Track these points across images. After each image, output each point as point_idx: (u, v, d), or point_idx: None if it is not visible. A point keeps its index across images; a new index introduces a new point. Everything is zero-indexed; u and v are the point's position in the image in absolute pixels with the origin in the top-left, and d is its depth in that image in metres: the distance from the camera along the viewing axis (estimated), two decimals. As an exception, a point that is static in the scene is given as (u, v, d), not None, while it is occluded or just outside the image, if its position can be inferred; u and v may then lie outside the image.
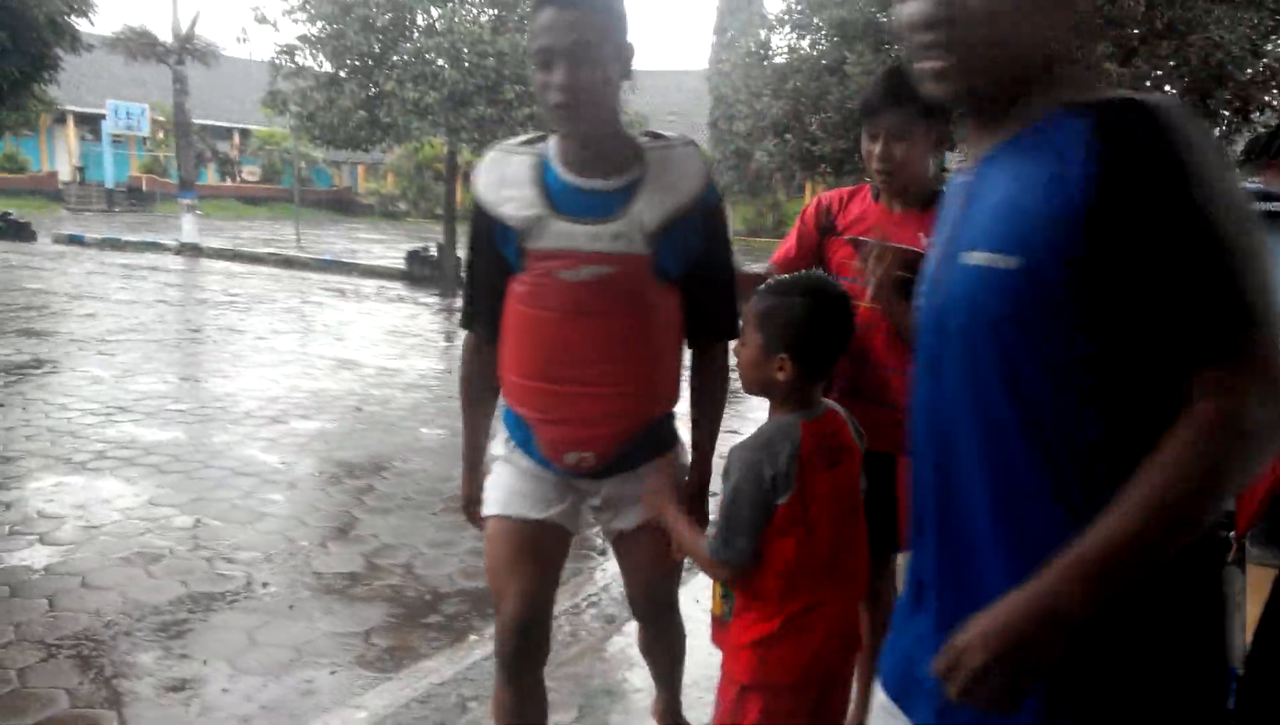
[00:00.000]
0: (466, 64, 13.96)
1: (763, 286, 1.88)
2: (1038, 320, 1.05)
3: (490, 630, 3.55)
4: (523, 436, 2.15)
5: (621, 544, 2.24)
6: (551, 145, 2.02)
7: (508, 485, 2.20)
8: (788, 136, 13.24)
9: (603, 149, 1.96)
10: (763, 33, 16.00)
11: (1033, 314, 1.05)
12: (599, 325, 1.98)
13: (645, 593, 2.31)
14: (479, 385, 2.30)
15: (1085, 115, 1.05)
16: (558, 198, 1.95)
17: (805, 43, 14.09)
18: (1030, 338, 1.06)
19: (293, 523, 4.66)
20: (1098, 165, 1.00)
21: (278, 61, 15.02)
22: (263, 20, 15.45)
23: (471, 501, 2.39)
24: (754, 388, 1.89)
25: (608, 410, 2.03)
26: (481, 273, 2.12)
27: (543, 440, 2.09)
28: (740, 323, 2.01)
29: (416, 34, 14.53)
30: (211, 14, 55.93)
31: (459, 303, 8.95)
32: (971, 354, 1.12)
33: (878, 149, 2.27)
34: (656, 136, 2.06)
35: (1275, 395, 0.97)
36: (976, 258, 1.11)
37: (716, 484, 1.98)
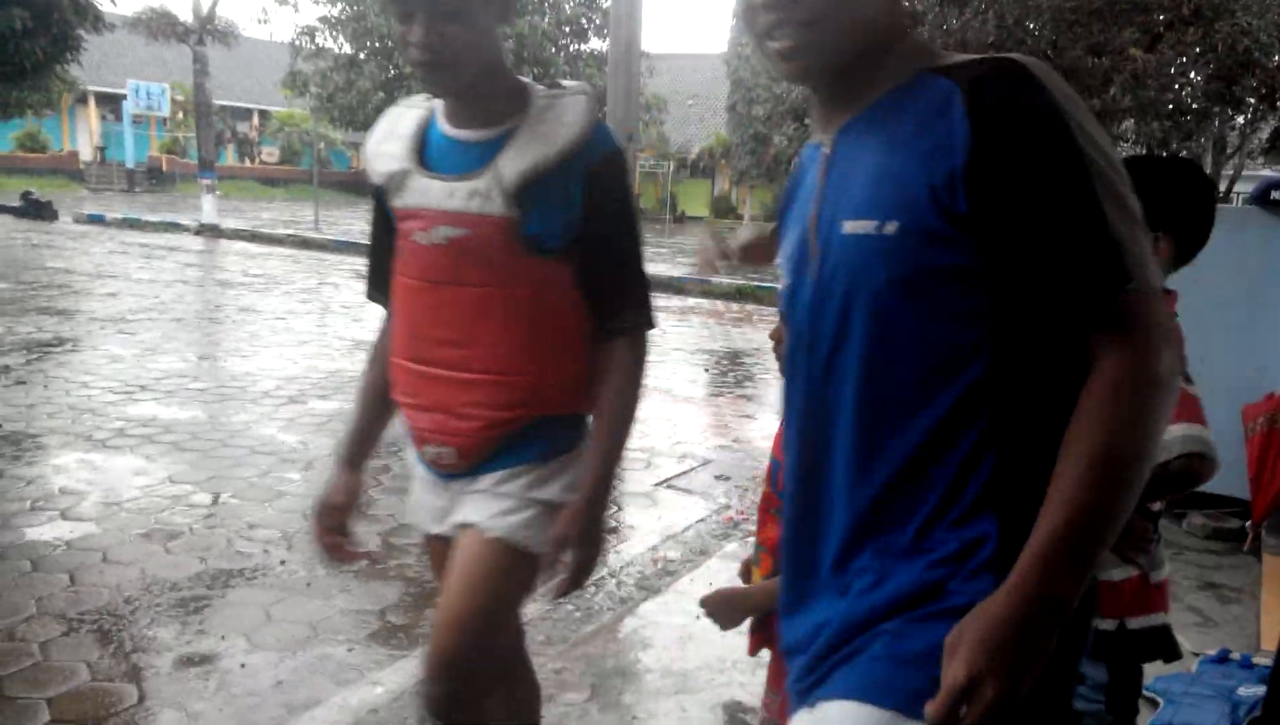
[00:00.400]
0: (485, 46, 13.96)
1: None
2: (922, 282, 1.05)
3: (504, 610, 3.58)
4: (405, 429, 1.89)
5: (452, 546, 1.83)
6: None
7: (413, 492, 1.97)
8: (807, 120, 13.15)
9: (483, 99, 1.69)
10: (783, 16, 15.87)
11: (917, 276, 1.05)
12: (456, 298, 1.70)
13: (449, 617, 1.75)
14: (375, 368, 1.98)
15: (952, 76, 1.05)
16: (432, 152, 1.73)
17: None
18: (916, 300, 1.06)
19: (309, 501, 4.69)
20: (973, 123, 1.01)
21: (298, 43, 15.10)
22: (283, 1, 15.46)
23: (325, 511, 2.01)
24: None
25: (473, 399, 1.72)
26: (375, 237, 1.91)
27: (411, 430, 1.85)
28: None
29: (435, 15, 14.52)
30: (232, -6, 56.00)
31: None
32: (856, 322, 1.11)
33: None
34: (555, 86, 1.75)
35: (1167, 342, 1.01)
36: (855, 226, 1.10)
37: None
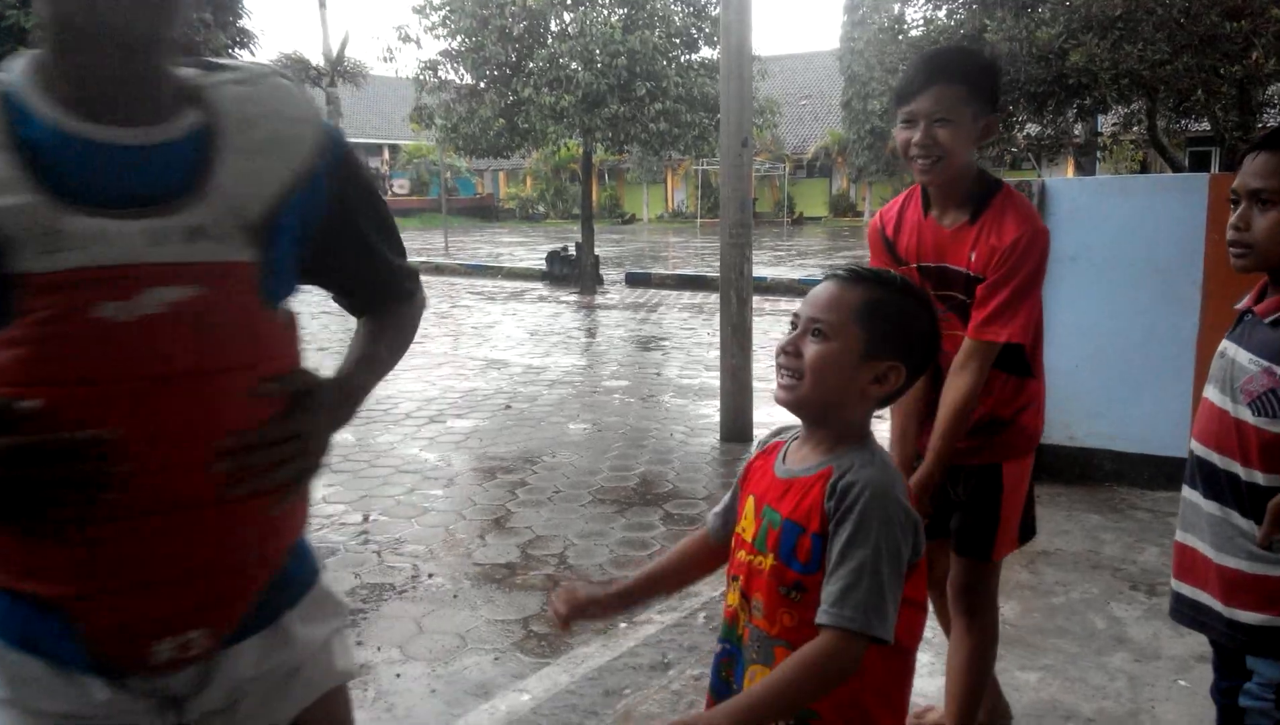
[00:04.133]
0: (599, 65, 14.19)
1: (844, 274, 1.46)
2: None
3: (642, 618, 3.63)
4: (37, 631, 1.13)
5: None
6: (23, 65, 1.11)
7: None
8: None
9: (127, 70, 1.09)
10: (896, 6, 15.51)
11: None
12: (182, 402, 1.10)
13: None
14: None
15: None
16: (57, 165, 1.07)
17: (942, 13, 13.59)
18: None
19: (452, 516, 4.89)
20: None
21: (421, 77, 15.66)
22: (406, 39, 16.11)
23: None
24: (828, 397, 1.42)
25: (218, 557, 1.17)
26: None
27: (94, 629, 1.12)
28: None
29: (550, 39, 14.86)
30: (359, 36, 58.86)
31: (599, 300, 9.06)
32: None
33: (917, 136, 2.01)
34: (208, 65, 1.23)
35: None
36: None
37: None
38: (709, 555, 1.66)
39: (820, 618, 1.29)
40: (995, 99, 2.09)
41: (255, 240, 1.17)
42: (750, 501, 1.51)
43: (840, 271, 1.46)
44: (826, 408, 1.43)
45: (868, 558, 1.29)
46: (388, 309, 1.53)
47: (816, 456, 1.44)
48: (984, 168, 2.19)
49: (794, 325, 1.45)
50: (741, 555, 1.49)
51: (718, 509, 1.65)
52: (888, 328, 1.41)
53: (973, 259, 2.08)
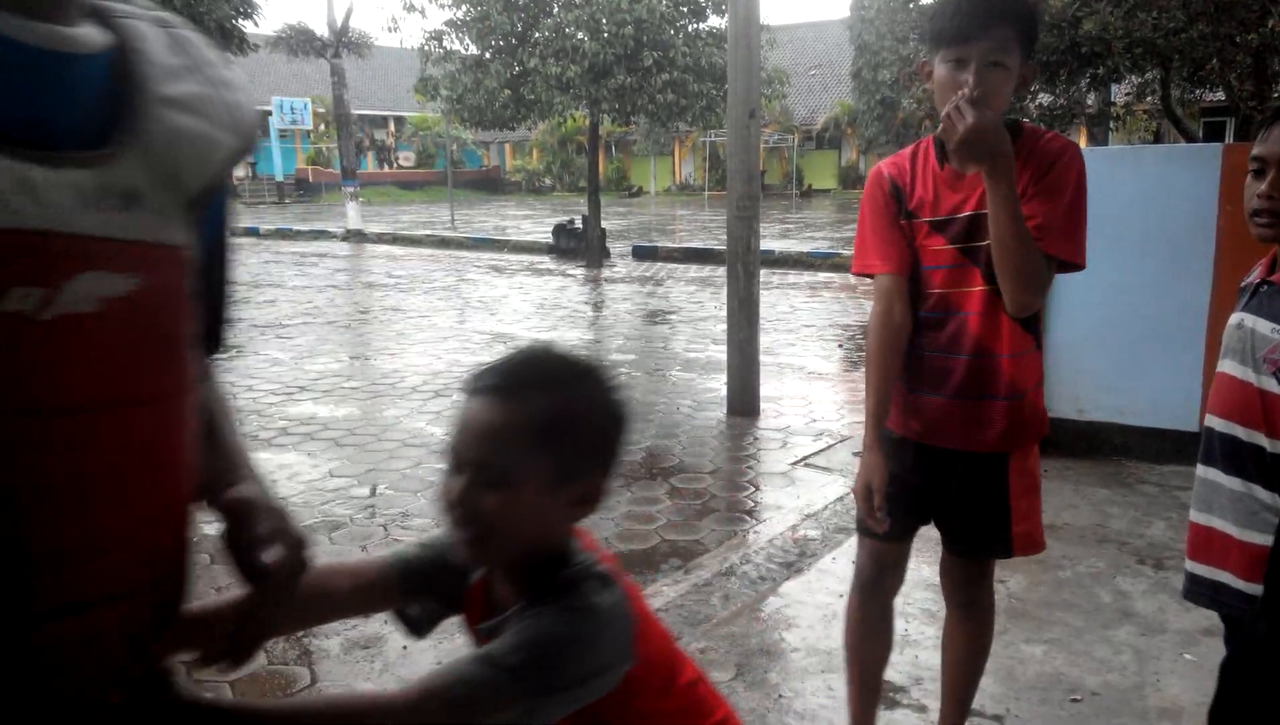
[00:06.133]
0: (605, 34, 14.05)
1: (490, 375, 1.12)
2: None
3: (647, 591, 3.63)
4: None
5: None
6: None
7: None
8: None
9: None
10: (907, -25, 15.35)
11: None
12: (106, 433, 0.79)
13: None
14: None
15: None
16: None
17: (952, -18, 13.35)
18: None
19: (459, 491, 4.89)
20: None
21: (427, 48, 15.54)
22: (411, 9, 15.98)
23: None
24: (526, 546, 1.14)
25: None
26: None
27: None
28: None
29: (556, 9, 14.71)
30: (363, 6, 58.53)
31: (606, 274, 9.07)
32: None
33: (969, 78, 1.81)
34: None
35: None
36: None
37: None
38: (380, 596, 1.27)
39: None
40: (1035, 46, 1.97)
41: (189, 225, 0.86)
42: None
43: (489, 380, 1.11)
44: (525, 554, 1.15)
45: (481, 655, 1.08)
46: (211, 386, 1.07)
47: (513, 597, 1.16)
48: None
49: (455, 466, 1.10)
50: None
51: (417, 552, 1.28)
52: (577, 439, 1.11)
53: (1019, 189, 1.90)
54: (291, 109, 35.51)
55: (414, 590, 1.26)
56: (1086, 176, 1.96)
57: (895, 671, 2.86)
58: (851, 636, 2.34)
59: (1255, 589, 1.78)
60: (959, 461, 2.09)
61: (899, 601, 2.38)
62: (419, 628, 1.30)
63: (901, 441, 2.15)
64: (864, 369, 2.16)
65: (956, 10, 1.85)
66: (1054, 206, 1.89)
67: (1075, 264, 1.95)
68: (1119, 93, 11.67)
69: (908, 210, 2.05)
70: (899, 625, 2.35)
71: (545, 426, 1.09)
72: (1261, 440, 1.75)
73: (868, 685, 2.36)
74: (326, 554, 4.05)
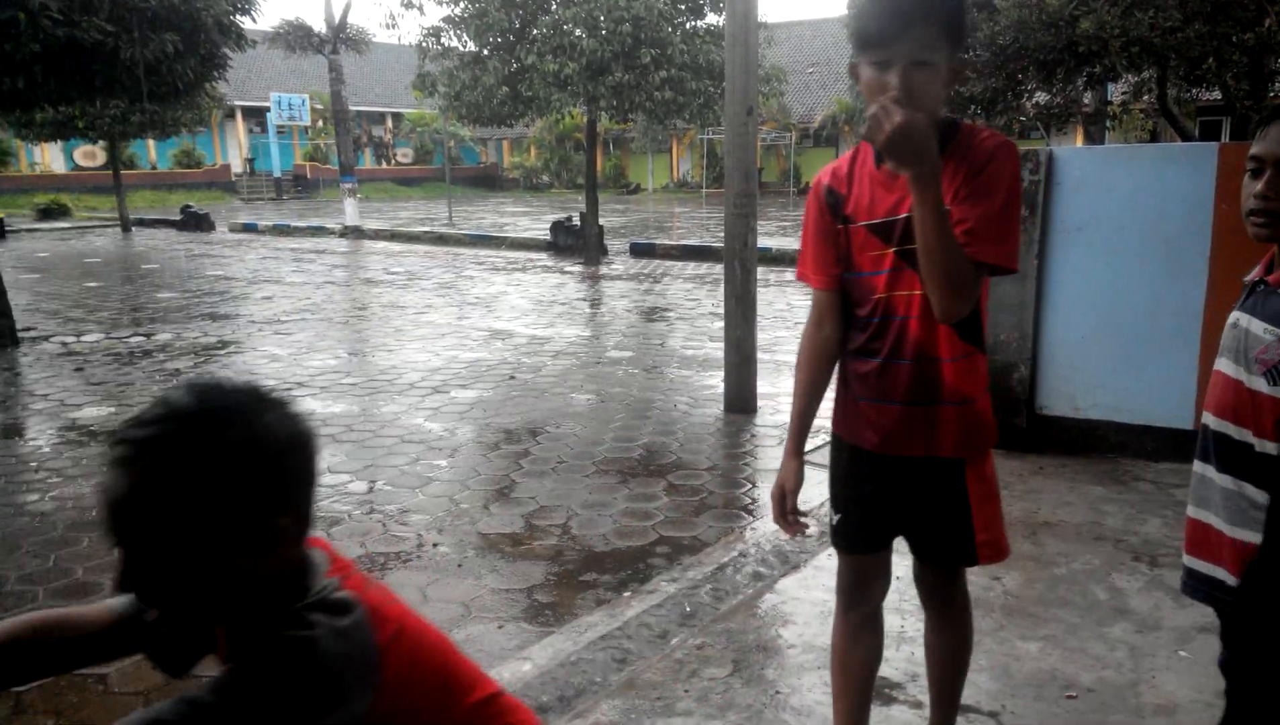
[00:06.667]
0: (603, 31, 14.04)
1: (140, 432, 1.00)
2: None
3: (645, 587, 3.65)
4: None
5: None
6: None
7: None
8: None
9: None
10: (904, -27, 15.32)
11: None
12: None
13: None
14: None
15: None
16: None
17: (950, -20, 13.33)
18: None
19: (457, 486, 4.91)
20: None
21: (424, 44, 15.52)
22: (409, 5, 15.95)
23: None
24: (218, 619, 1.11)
25: None
26: None
27: None
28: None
29: (554, 6, 14.70)
30: (362, 2, 58.42)
31: (604, 271, 9.10)
32: None
33: (894, 79, 1.77)
34: None
35: None
36: None
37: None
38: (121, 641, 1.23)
39: None
40: (964, 41, 1.92)
41: None
42: None
43: (118, 446, 1.00)
44: (226, 616, 1.10)
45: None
46: None
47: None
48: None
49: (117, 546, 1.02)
50: None
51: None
52: (246, 487, 1.01)
53: (949, 190, 1.86)
54: (289, 105, 35.44)
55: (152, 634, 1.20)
56: (1020, 176, 1.91)
57: (891, 668, 2.87)
58: (837, 646, 2.32)
59: None
60: (914, 469, 2.05)
61: (894, 597, 2.39)
62: (177, 669, 1.23)
63: (845, 448, 2.14)
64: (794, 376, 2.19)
65: (877, 12, 1.81)
66: (985, 209, 1.84)
67: (1006, 268, 1.88)
68: (1115, 92, 11.69)
69: (845, 215, 2.02)
70: (895, 621, 2.35)
71: (169, 490, 0.98)
72: (1250, 438, 1.77)
73: (857, 693, 2.32)
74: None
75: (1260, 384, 1.74)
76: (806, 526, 2.15)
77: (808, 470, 2.23)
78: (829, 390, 2.17)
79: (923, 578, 2.27)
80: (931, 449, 2.02)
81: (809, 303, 2.16)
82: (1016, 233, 1.90)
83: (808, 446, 2.22)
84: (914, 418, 2.00)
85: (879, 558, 2.22)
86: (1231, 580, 1.82)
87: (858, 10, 1.86)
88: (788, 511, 2.13)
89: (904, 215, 1.89)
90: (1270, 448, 1.74)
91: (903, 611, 3.22)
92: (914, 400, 1.99)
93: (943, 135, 1.88)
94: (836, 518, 2.18)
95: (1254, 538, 1.76)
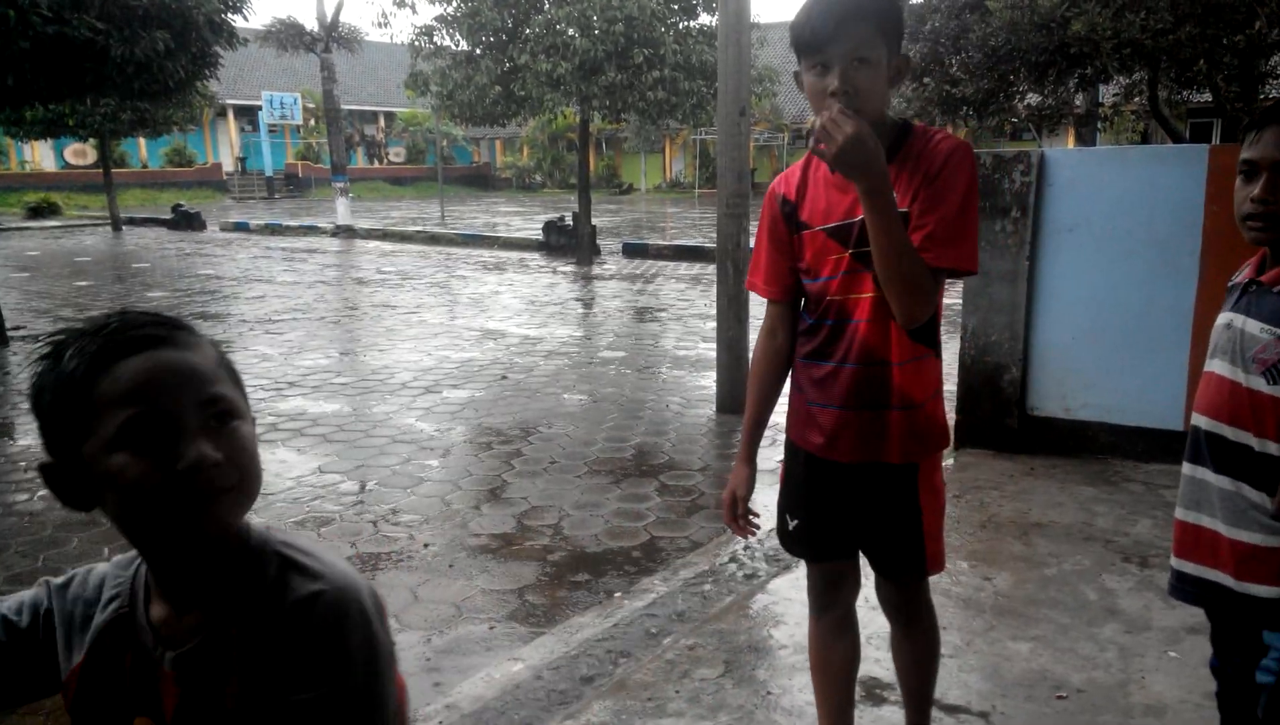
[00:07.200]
0: (596, 31, 14.03)
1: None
2: None
3: (637, 588, 3.64)
4: None
5: None
6: None
7: None
8: (926, 80, 12.76)
9: None
10: (897, -26, 15.33)
11: None
12: None
13: None
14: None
15: None
16: None
17: (942, -19, 13.42)
18: None
19: (448, 486, 4.90)
20: None
21: (417, 43, 15.49)
22: (401, 4, 15.92)
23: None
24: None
25: None
26: None
27: None
28: None
29: (547, 5, 14.69)
30: (353, 1, 58.29)
31: (596, 271, 9.08)
32: None
33: (833, 82, 1.77)
34: None
35: None
36: None
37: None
38: None
39: None
40: (902, 38, 1.91)
41: None
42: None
43: (147, 331, 0.96)
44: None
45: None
46: None
47: (196, 605, 1.00)
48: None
49: (182, 423, 0.94)
50: None
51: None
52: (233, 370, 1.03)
53: (906, 194, 1.87)
54: (281, 104, 35.33)
55: None
56: (978, 176, 1.91)
57: (881, 668, 2.88)
58: (815, 650, 2.31)
59: (1246, 588, 1.78)
60: (865, 477, 2.04)
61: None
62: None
63: (800, 454, 2.14)
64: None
65: (809, 16, 1.80)
66: (943, 213, 1.83)
67: (966, 271, 1.89)
68: (1107, 93, 11.73)
69: (799, 221, 2.01)
70: (881, 621, 2.35)
71: (223, 357, 1.01)
72: (1249, 439, 1.76)
73: (839, 693, 2.31)
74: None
75: (1259, 383, 1.73)
76: (758, 528, 2.20)
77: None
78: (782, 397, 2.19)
79: (884, 592, 2.26)
80: (879, 454, 2.00)
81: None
82: (974, 234, 1.90)
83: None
84: (861, 422, 1.99)
85: (846, 565, 2.21)
86: (1231, 583, 1.81)
87: (795, 19, 1.85)
88: (739, 515, 2.17)
89: (859, 217, 1.87)
90: (1272, 448, 1.73)
91: (894, 612, 3.22)
92: (861, 405, 1.98)
93: (896, 137, 1.89)
94: (793, 523, 2.18)
95: (1254, 538, 1.76)
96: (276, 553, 1.02)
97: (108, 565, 1.08)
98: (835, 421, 2.02)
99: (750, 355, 2.50)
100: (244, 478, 0.96)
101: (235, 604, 0.97)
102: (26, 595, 1.08)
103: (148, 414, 0.91)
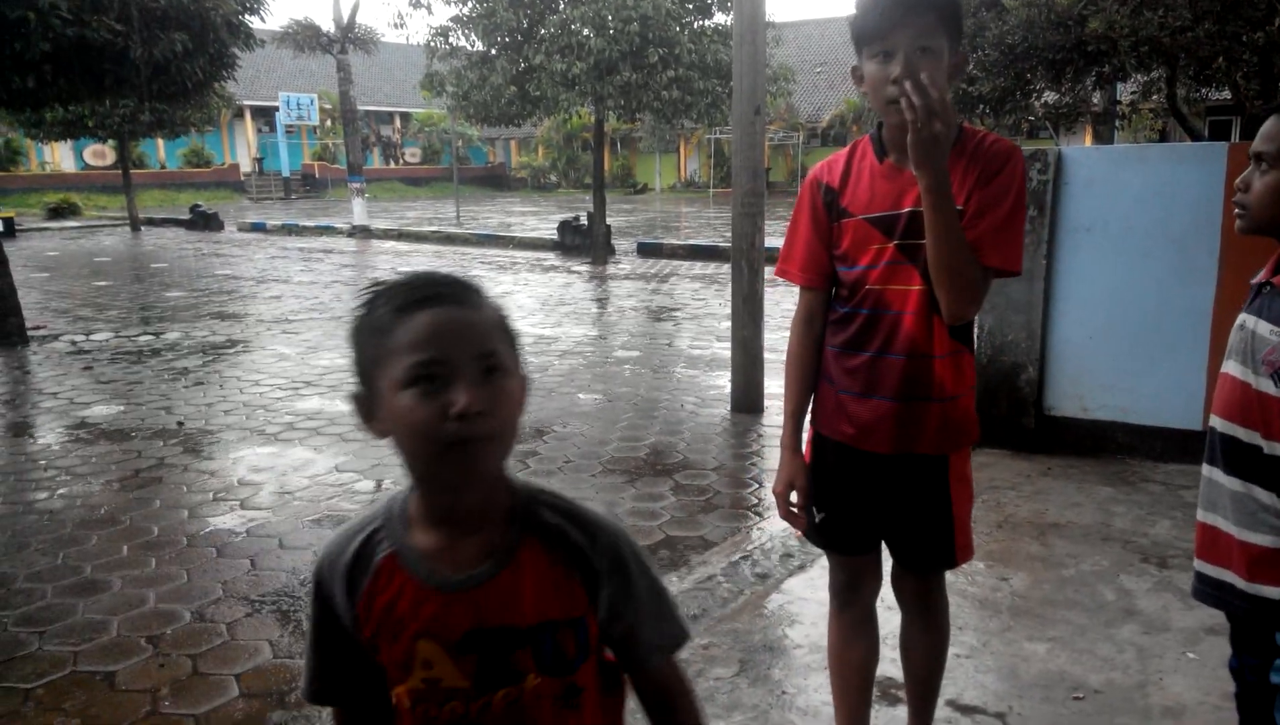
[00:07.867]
0: (611, 31, 14.04)
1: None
2: None
3: (652, 587, 3.64)
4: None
5: None
6: None
7: None
8: (942, 80, 12.72)
9: None
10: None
11: None
12: None
13: None
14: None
15: None
16: None
17: (959, -21, 13.35)
18: None
19: (463, 486, 4.90)
20: None
21: (433, 44, 15.54)
22: (417, 4, 15.96)
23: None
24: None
25: None
26: None
27: None
28: None
29: (562, 5, 14.71)
30: (369, 2, 58.64)
31: (611, 270, 9.01)
32: None
33: (896, 70, 1.78)
34: None
35: None
36: None
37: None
38: None
39: (655, 659, 1.24)
40: (961, 35, 1.91)
41: None
42: (424, 644, 1.14)
43: (437, 290, 1.15)
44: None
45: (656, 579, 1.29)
46: None
47: (480, 534, 1.15)
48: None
49: (450, 372, 1.07)
50: (451, 709, 1.14)
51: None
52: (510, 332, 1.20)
53: (960, 192, 1.88)
54: (298, 105, 35.52)
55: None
56: (1027, 181, 1.94)
57: (896, 668, 2.87)
58: (834, 647, 2.31)
59: (1255, 589, 1.78)
60: (895, 468, 2.04)
61: (894, 597, 2.38)
62: None
63: (829, 445, 2.12)
64: (784, 371, 2.18)
65: (876, 5, 1.82)
66: (995, 216, 1.86)
67: (1011, 271, 1.93)
68: (1125, 91, 11.65)
69: (841, 208, 2.01)
70: (896, 620, 2.35)
71: (503, 319, 1.17)
72: (1259, 441, 1.75)
73: (857, 692, 2.31)
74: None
75: (1268, 386, 1.73)
76: (815, 518, 2.14)
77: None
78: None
79: (903, 585, 2.25)
80: (913, 445, 2.00)
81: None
82: (1021, 237, 1.93)
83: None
84: (899, 413, 1.99)
85: (868, 558, 2.21)
86: (1241, 584, 1.80)
87: (856, 10, 1.87)
88: (797, 506, 2.11)
89: (908, 209, 1.90)
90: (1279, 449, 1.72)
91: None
92: (903, 396, 1.98)
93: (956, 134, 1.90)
94: (820, 516, 2.16)
95: (1263, 540, 1.75)
96: (548, 502, 1.24)
97: (341, 529, 1.25)
98: (873, 412, 2.01)
99: (764, 354, 2.49)
100: (504, 428, 1.10)
101: (519, 533, 1.15)
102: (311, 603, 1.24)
103: (430, 361, 1.05)
